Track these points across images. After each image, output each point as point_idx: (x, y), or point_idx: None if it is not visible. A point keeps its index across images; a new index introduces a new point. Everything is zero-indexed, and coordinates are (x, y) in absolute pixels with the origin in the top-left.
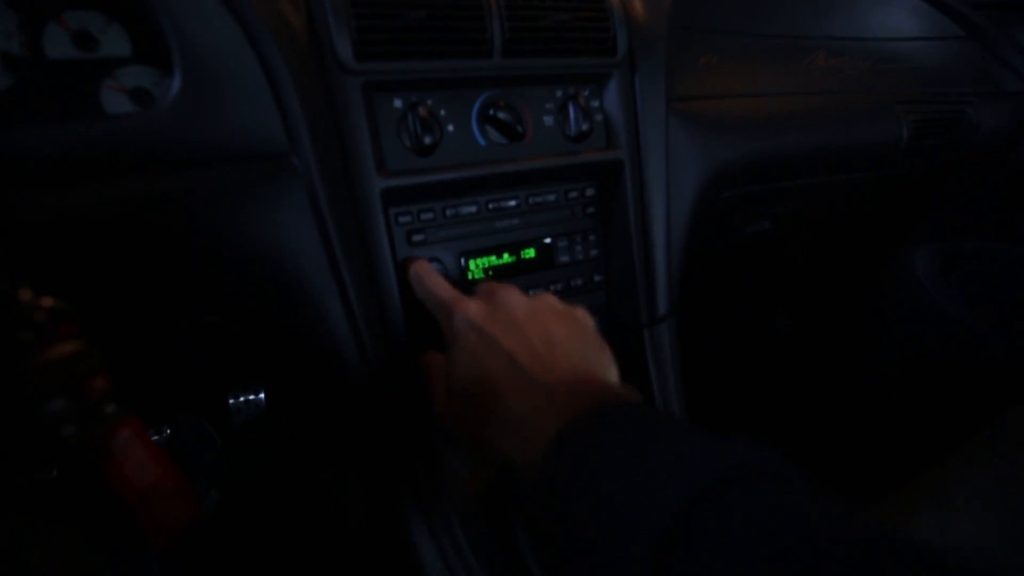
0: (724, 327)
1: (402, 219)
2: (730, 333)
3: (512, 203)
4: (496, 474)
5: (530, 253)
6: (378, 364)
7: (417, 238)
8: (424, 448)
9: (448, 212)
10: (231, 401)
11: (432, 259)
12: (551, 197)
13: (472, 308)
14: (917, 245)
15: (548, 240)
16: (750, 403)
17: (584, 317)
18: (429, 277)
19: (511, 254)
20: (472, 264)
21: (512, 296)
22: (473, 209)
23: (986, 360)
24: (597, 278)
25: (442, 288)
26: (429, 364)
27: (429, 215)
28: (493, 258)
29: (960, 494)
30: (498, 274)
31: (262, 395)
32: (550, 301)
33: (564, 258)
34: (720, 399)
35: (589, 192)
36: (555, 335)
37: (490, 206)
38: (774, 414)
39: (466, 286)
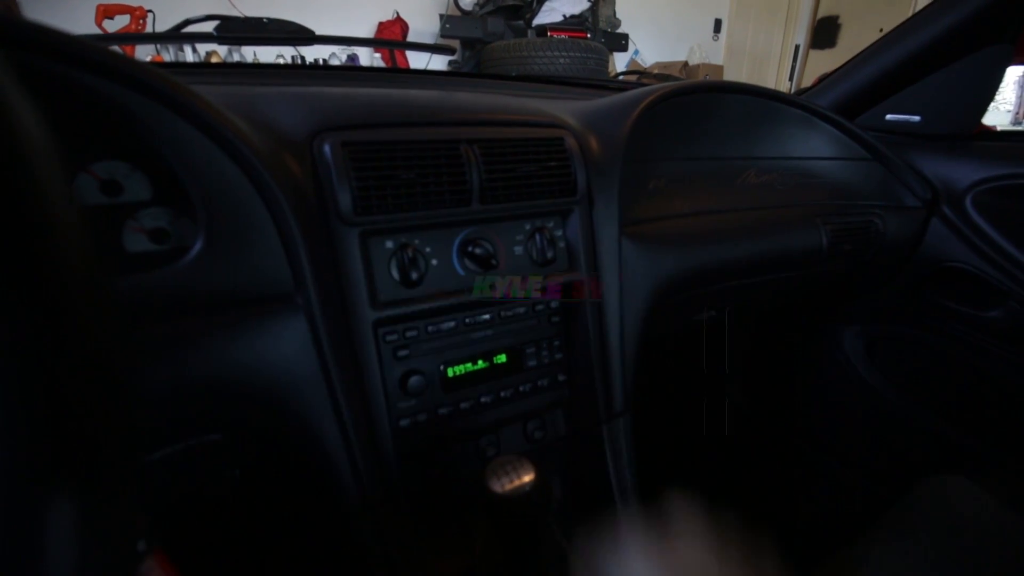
0: (681, 406)
1: (389, 337)
2: (687, 411)
3: (486, 317)
4: None
5: (502, 359)
6: (368, 476)
7: (402, 353)
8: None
9: (430, 328)
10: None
11: (414, 370)
12: (520, 310)
13: None
14: (845, 325)
15: (518, 346)
16: (703, 482)
17: None
18: None
19: (485, 360)
20: (450, 371)
21: None
22: (452, 324)
23: (904, 431)
24: (561, 378)
25: None
26: None
27: (413, 333)
28: (469, 365)
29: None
30: (474, 378)
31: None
32: None
33: (532, 362)
34: (676, 481)
35: (554, 304)
36: None
37: (467, 321)
38: (725, 485)
39: (445, 388)
